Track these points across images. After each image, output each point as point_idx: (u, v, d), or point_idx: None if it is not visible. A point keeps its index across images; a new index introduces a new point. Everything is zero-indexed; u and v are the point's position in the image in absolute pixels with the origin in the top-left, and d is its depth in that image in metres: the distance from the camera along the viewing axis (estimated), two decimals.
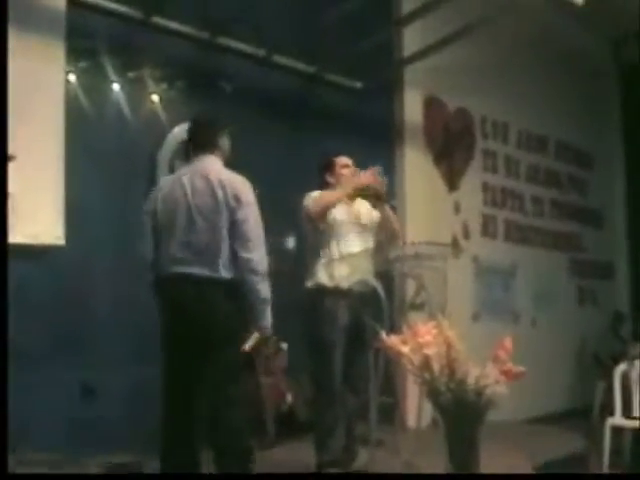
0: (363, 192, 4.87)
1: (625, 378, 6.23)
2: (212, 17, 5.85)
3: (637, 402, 6.04)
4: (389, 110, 7.50)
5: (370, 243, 4.88)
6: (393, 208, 4.96)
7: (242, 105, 5.87)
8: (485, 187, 8.59)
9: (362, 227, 4.86)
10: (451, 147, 8.12)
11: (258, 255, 3.86)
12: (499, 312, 8.42)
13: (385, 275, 5.86)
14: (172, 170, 5.61)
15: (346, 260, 4.72)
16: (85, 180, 5.05)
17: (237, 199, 3.87)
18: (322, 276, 4.71)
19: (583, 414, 8.50)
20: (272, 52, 6.28)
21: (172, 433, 3.87)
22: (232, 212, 3.86)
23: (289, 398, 5.52)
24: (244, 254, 3.84)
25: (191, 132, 4.23)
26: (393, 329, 4.73)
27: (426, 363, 3.03)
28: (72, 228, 4.86)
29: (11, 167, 3.92)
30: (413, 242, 6.39)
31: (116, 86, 5.37)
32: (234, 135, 4.28)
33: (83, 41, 5.13)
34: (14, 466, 3.78)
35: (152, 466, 4.16)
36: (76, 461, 4.46)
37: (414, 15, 6.72)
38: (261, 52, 6.24)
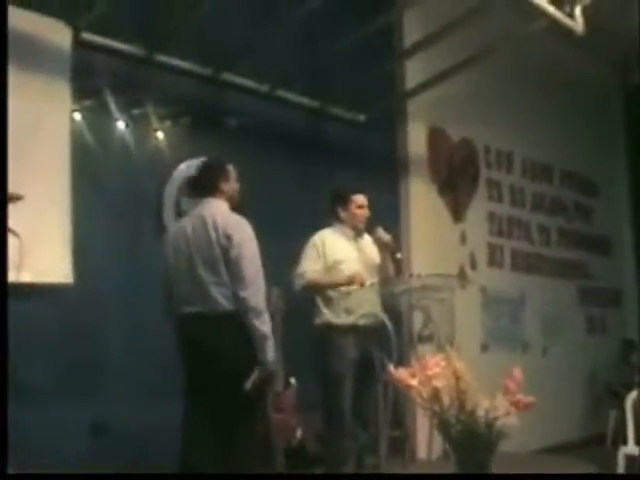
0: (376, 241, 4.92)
1: (637, 406, 6.19)
2: (215, 53, 5.89)
3: None
4: (393, 142, 7.53)
5: (375, 277, 4.89)
6: (399, 260, 4.96)
7: (247, 140, 5.90)
8: (491, 217, 8.58)
9: (368, 263, 4.87)
10: (455, 178, 8.14)
11: (253, 292, 3.95)
12: (508, 342, 8.38)
13: (392, 308, 5.86)
14: (178, 206, 5.64)
15: (353, 295, 4.72)
16: (92, 217, 5.07)
17: (229, 238, 4.01)
18: (329, 312, 4.73)
19: (596, 443, 8.44)
20: (275, 87, 6.32)
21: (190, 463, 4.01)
22: (225, 251, 4.01)
23: (299, 433, 5.49)
24: (240, 292, 3.96)
25: (194, 177, 4.48)
26: (401, 362, 4.73)
27: (435, 395, 3.01)
28: (80, 266, 4.87)
29: (18, 206, 3.94)
30: (420, 274, 6.39)
31: (121, 124, 5.40)
32: (245, 177, 4.34)
33: (88, 80, 5.17)
34: None
35: None
36: None
37: (416, 47, 6.76)
38: (264, 87, 6.28)
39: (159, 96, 5.58)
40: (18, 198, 3.97)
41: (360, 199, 4.96)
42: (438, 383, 3.00)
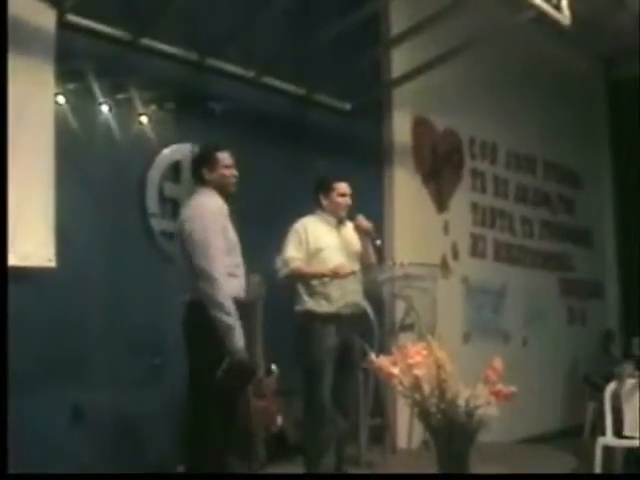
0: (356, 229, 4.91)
1: (616, 397, 6.23)
2: (201, 39, 5.87)
3: (628, 421, 6.04)
4: (378, 131, 7.52)
5: (357, 265, 4.89)
6: (379, 247, 4.95)
7: (232, 127, 5.88)
8: (474, 207, 8.60)
9: (349, 251, 4.88)
10: (440, 167, 8.15)
11: (209, 284, 3.92)
12: (489, 332, 8.42)
13: (375, 296, 5.87)
14: (162, 191, 5.61)
15: (334, 283, 4.72)
16: (75, 201, 5.04)
17: (182, 230, 4.12)
18: (310, 300, 4.73)
19: (574, 434, 8.50)
20: (261, 73, 6.30)
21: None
22: (182, 243, 4.12)
23: (280, 420, 5.49)
24: (197, 283, 3.96)
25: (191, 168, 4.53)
26: (383, 350, 4.74)
27: (416, 384, 3.03)
28: (63, 249, 4.84)
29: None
30: (402, 263, 6.40)
31: (105, 108, 5.35)
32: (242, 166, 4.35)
33: (72, 63, 5.13)
34: None
35: None
36: None
37: (402, 37, 6.75)
38: (250, 73, 6.25)
39: (144, 80, 5.54)
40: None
41: (342, 187, 4.95)
42: (419, 372, 3.02)
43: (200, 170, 4.29)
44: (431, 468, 3.08)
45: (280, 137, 6.33)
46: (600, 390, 6.70)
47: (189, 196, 4.46)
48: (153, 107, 5.61)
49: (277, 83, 6.48)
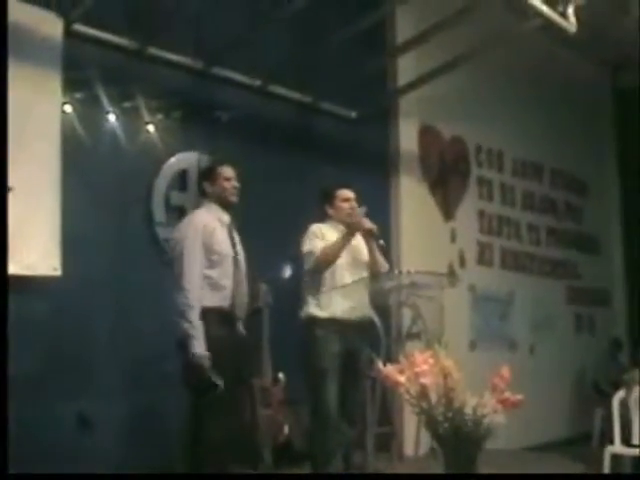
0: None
1: (624, 405, 6.21)
2: (207, 47, 5.88)
3: (636, 429, 6.01)
4: (384, 139, 7.52)
5: (364, 273, 4.87)
6: (382, 246, 4.93)
7: (238, 134, 5.89)
8: (481, 215, 8.60)
9: (357, 259, 4.86)
10: (446, 175, 8.15)
11: (178, 292, 4.14)
12: (496, 340, 8.40)
13: (382, 305, 5.86)
14: (168, 200, 5.62)
15: (340, 291, 4.71)
16: (82, 210, 5.05)
17: (170, 241, 4.45)
18: (314, 307, 4.72)
19: (582, 442, 8.46)
20: (268, 82, 6.31)
21: None
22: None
23: (286, 429, 5.49)
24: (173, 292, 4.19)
25: None
26: (390, 358, 4.73)
27: (423, 393, 3.02)
28: (69, 258, 4.85)
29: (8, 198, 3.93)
30: (409, 271, 6.37)
31: (112, 116, 5.37)
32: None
33: (79, 72, 5.14)
34: None
35: None
36: None
37: (408, 45, 6.76)
38: (257, 82, 6.26)
39: (150, 89, 5.55)
40: (8, 190, 3.96)
41: (344, 193, 4.94)
42: (426, 380, 3.01)
43: (202, 183, 4.52)
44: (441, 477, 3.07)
45: (286, 145, 6.34)
46: (608, 398, 6.67)
47: (195, 205, 4.54)
48: (160, 116, 5.62)
49: (283, 91, 6.49)
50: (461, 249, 8.19)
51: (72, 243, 4.89)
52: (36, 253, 4.70)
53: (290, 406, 5.56)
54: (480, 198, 8.64)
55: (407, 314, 6.66)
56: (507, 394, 2.97)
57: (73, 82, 5.11)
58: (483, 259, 8.53)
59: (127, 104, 5.45)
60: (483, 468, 3.02)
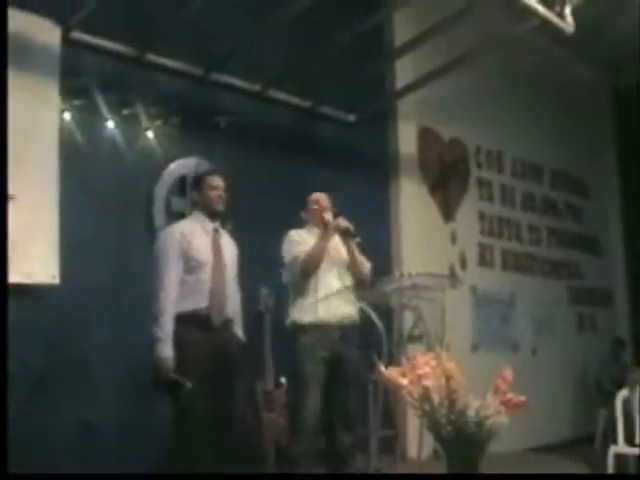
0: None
1: (627, 405, 6.20)
2: (206, 53, 5.88)
3: (639, 429, 6.00)
4: (383, 142, 7.53)
5: (345, 274, 4.84)
6: (360, 244, 4.91)
7: (237, 140, 5.89)
8: (481, 216, 8.60)
9: (337, 259, 4.83)
10: (446, 177, 8.15)
11: (154, 298, 4.23)
12: (498, 342, 8.40)
13: (383, 307, 5.86)
14: (168, 206, 5.62)
15: (325, 295, 4.69)
16: (80, 218, 5.05)
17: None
18: (298, 313, 4.69)
19: (586, 442, 8.45)
20: (266, 87, 6.31)
21: None
22: None
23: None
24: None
25: None
26: (392, 361, 4.72)
27: (425, 395, 3.01)
28: (67, 266, 4.85)
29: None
30: (410, 273, 6.38)
31: (111, 123, 5.38)
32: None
33: (77, 79, 5.15)
34: None
35: None
36: None
37: (406, 47, 6.76)
38: (255, 87, 6.27)
39: (149, 96, 5.56)
40: (9, 198, 3.96)
41: (315, 196, 4.97)
42: (428, 382, 3.01)
43: (191, 192, 4.72)
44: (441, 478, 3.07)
45: (285, 150, 6.34)
46: (611, 397, 6.66)
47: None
48: (159, 122, 5.63)
49: (282, 96, 6.49)
50: (462, 251, 8.20)
51: (72, 250, 4.89)
52: (35, 261, 4.70)
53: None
54: (480, 199, 8.64)
55: (409, 316, 6.66)
56: (510, 395, 2.97)
57: (71, 89, 5.12)
58: (484, 260, 8.53)
59: (126, 111, 5.45)
60: (486, 470, 3.02)
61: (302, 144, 6.58)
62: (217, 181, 4.53)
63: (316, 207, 4.92)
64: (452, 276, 7.82)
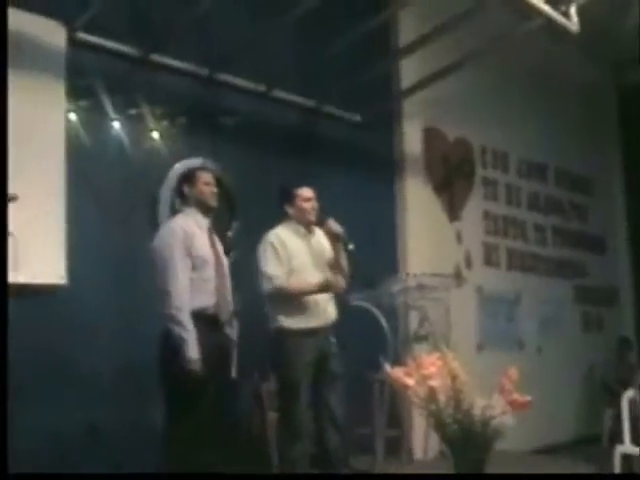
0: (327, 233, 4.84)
1: (633, 405, 6.19)
2: (211, 53, 5.89)
3: None
4: (389, 141, 7.53)
5: (327, 272, 4.79)
6: (351, 252, 4.84)
7: (242, 140, 5.90)
8: (486, 216, 8.59)
9: (319, 258, 4.79)
10: (451, 177, 8.15)
11: (165, 299, 4.16)
12: (504, 341, 8.39)
13: (388, 307, 5.86)
14: (173, 206, 5.62)
15: (315, 301, 4.66)
16: (87, 218, 5.06)
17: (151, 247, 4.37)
18: (282, 317, 4.65)
19: (592, 442, 8.44)
20: (272, 87, 6.32)
21: None
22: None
23: None
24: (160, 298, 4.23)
25: None
26: (398, 361, 4.71)
27: (431, 395, 3.01)
28: (74, 266, 4.85)
29: (12, 206, 3.93)
30: (415, 273, 6.39)
31: (116, 124, 5.39)
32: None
33: (83, 80, 5.16)
34: None
35: None
36: None
37: (412, 47, 6.76)
38: (261, 87, 6.28)
39: (155, 96, 5.57)
40: (13, 198, 3.96)
41: (305, 192, 4.81)
42: (434, 382, 3.01)
43: (181, 186, 4.57)
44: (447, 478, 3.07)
45: (291, 150, 6.34)
46: (617, 397, 6.65)
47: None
48: (164, 122, 5.64)
49: (287, 96, 6.50)
50: (467, 250, 8.19)
51: (78, 251, 4.89)
52: (41, 261, 4.70)
53: None
54: (485, 199, 8.64)
55: (414, 316, 6.67)
56: (515, 395, 2.97)
57: (77, 90, 5.13)
58: (489, 260, 8.52)
59: (131, 111, 5.46)
60: (492, 470, 3.02)
61: (307, 144, 6.58)
62: (210, 177, 4.51)
63: (306, 205, 4.79)
64: (457, 276, 7.82)
